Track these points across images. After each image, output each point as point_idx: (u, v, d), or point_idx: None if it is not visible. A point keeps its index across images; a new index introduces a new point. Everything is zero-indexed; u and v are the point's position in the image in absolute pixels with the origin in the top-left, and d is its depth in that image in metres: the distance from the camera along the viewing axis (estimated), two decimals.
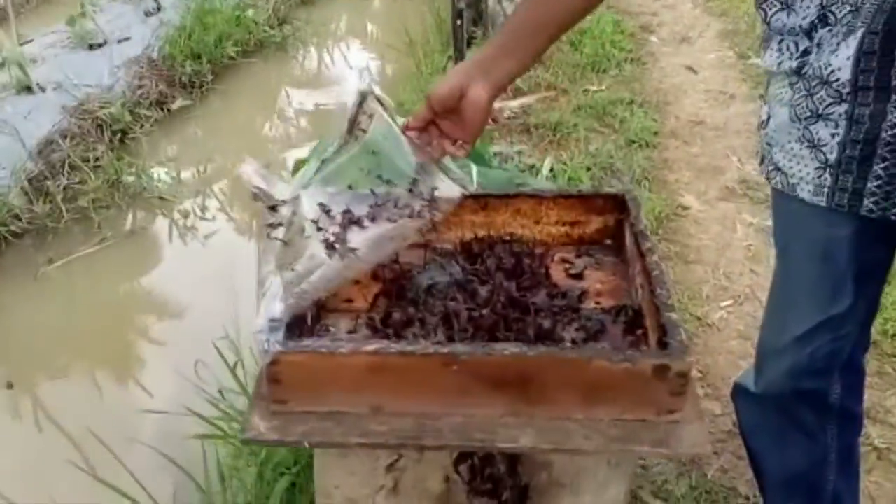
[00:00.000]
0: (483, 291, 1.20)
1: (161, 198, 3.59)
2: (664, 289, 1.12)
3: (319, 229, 1.12)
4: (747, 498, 1.95)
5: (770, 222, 1.49)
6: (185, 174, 3.80)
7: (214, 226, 3.45)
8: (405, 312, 1.19)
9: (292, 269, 1.08)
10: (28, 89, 3.85)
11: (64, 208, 3.36)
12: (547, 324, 1.18)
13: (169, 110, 4.26)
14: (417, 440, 1.04)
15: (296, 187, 1.18)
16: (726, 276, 2.70)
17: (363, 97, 1.15)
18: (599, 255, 1.39)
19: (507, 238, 1.39)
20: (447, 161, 1.22)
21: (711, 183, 3.23)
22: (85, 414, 2.37)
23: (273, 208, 1.10)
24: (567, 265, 1.36)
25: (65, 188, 3.44)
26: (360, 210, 1.18)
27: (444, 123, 1.17)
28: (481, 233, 1.39)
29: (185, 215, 3.51)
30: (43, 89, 3.87)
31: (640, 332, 1.19)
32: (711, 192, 3.17)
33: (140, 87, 4.10)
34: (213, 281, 2.91)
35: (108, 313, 2.98)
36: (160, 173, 3.73)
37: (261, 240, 1.08)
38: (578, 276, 1.33)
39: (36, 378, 2.67)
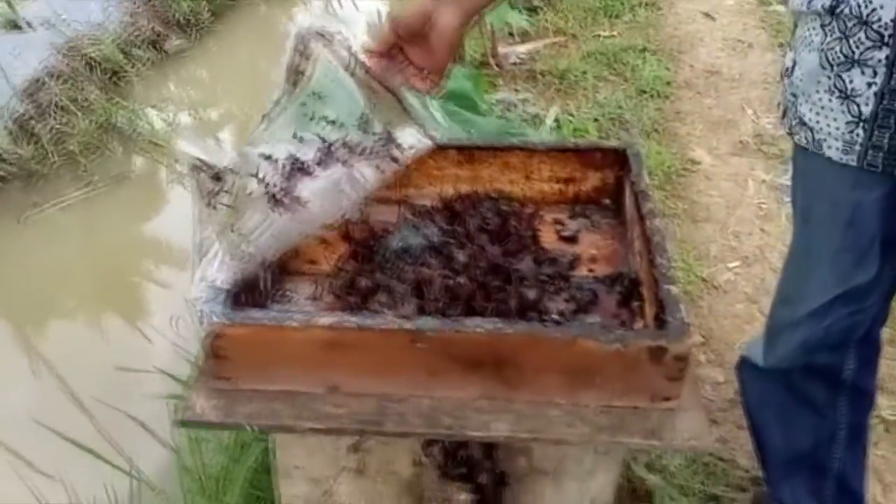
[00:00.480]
0: (461, 256, 1.06)
1: (153, 143, 3.43)
2: (664, 258, 0.97)
3: (263, 183, 0.97)
4: (746, 471, 1.82)
5: (785, 181, 1.33)
6: (180, 119, 3.64)
7: None
8: (372, 279, 1.05)
9: (234, 231, 0.94)
10: (16, 26, 3.66)
11: (51, 151, 3.21)
12: (532, 294, 1.04)
13: (164, 51, 4.07)
14: (378, 425, 0.91)
15: (240, 150, 1.02)
16: (735, 236, 2.54)
17: (302, 41, 0.99)
18: (596, 217, 1.23)
19: (494, 195, 1.24)
20: (411, 104, 1.06)
21: (724, 137, 3.04)
22: (62, 364, 2.27)
23: (217, 177, 0.95)
24: (559, 227, 1.20)
25: (53, 130, 3.28)
26: (307, 156, 1.02)
27: (410, 51, 1.01)
28: (465, 188, 1.24)
29: (177, 161, 3.35)
30: (31, 26, 3.68)
31: (636, 304, 1.05)
32: (724, 147, 2.98)
33: (133, 25, 3.90)
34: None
35: (95, 261, 2.85)
36: (153, 117, 3.56)
37: (197, 207, 0.93)
38: (571, 240, 1.18)
39: (14, 324, 2.56)
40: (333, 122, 1.03)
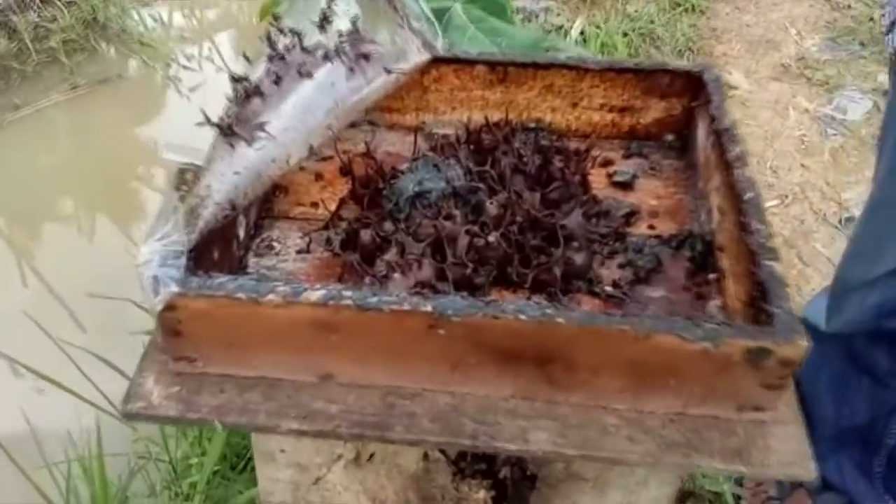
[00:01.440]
0: (493, 206, 0.81)
1: (142, 42, 3.10)
2: (761, 222, 0.73)
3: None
4: None
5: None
6: (172, 17, 3.30)
7: (200, 77, 2.99)
8: (379, 231, 0.81)
9: (198, 185, 0.70)
10: None
11: (32, 48, 2.91)
12: (580, 259, 0.80)
13: None
14: (382, 429, 0.68)
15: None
16: (773, 171, 2.28)
17: None
18: (655, 157, 0.98)
19: (532, 126, 0.99)
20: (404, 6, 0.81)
21: (764, 59, 2.73)
22: (47, 271, 2.07)
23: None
24: (611, 169, 0.96)
25: (33, 25, 2.96)
26: (257, 73, 0.78)
27: None
28: (496, 116, 0.98)
29: (169, 64, 3.04)
30: None
31: (711, 275, 0.82)
32: (763, 71, 2.68)
33: None
34: (197, 138, 2.51)
35: (77, 167, 2.60)
36: (143, 14, 3.23)
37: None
38: (626, 186, 0.94)
39: None
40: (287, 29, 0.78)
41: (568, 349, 0.66)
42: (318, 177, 0.95)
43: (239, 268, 0.82)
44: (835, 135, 2.44)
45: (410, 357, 0.68)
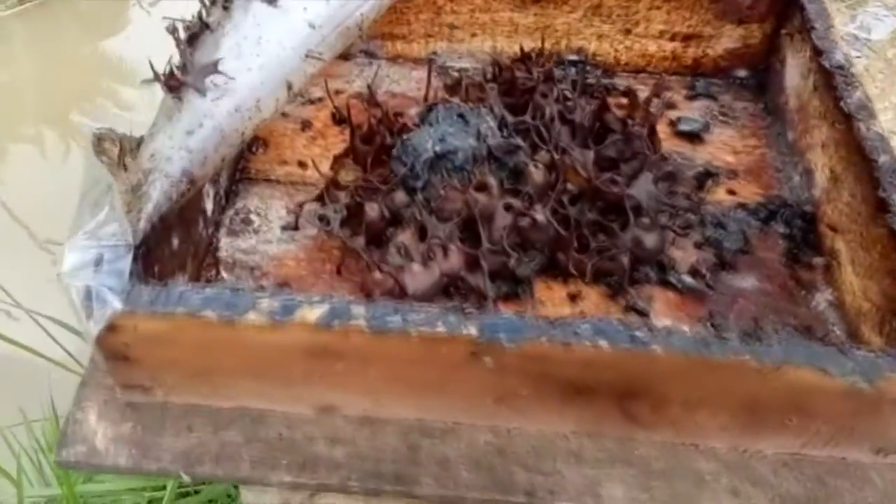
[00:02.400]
0: (538, 171, 0.62)
1: None
2: None
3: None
4: None
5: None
6: None
7: None
8: (389, 205, 0.62)
9: (140, 155, 0.50)
10: None
11: None
12: (651, 239, 0.61)
13: None
14: (404, 483, 0.51)
15: None
16: None
17: None
18: (727, 98, 0.79)
19: (574, 58, 0.78)
20: None
21: None
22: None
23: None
24: (674, 115, 0.76)
25: None
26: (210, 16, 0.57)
27: None
28: (528, 45, 0.77)
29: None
30: None
31: (818, 259, 0.64)
32: None
33: None
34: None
35: (32, 83, 2.34)
36: None
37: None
38: (695, 138, 0.74)
39: None
40: None
41: (661, 383, 0.48)
42: (306, 126, 0.74)
43: (208, 252, 0.63)
44: (858, 56, 2.23)
45: (442, 389, 0.50)
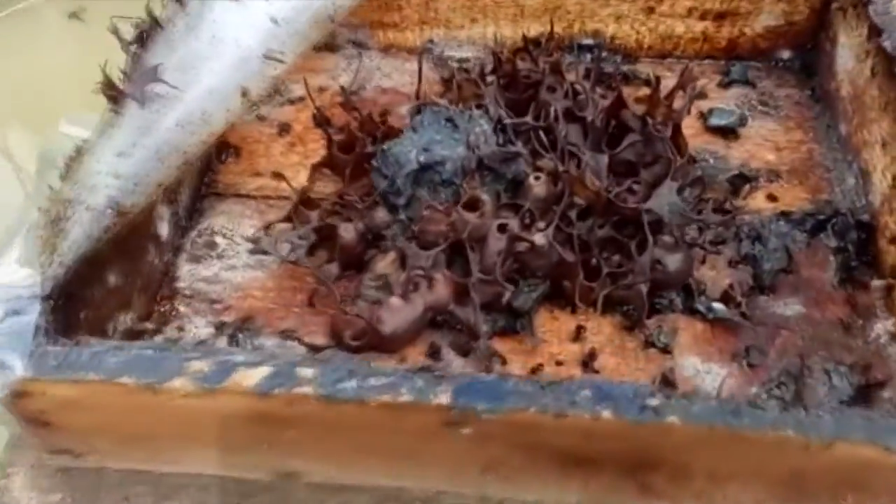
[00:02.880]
0: (539, 184, 0.52)
1: None
2: None
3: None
4: None
5: None
6: None
7: None
8: (369, 224, 0.53)
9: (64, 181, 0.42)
10: None
11: None
12: (675, 261, 0.51)
13: None
14: None
15: None
16: None
17: None
18: (767, 85, 0.68)
19: (589, 43, 0.68)
20: None
21: None
22: None
23: None
24: (704, 105, 0.65)
25: None
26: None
27: None
28: (534, 31, 0.67)
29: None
30: None
31: (877, 282, 0.53)
32: None
33: None
34: None
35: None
36: None
37: None
38: (729, 133, 0.64)
39: None
40: None
41: (681, 454, 0.39)
42: (284, 130, 0.66)
43: (163, 284, 0.55)
44: None
45: (417, 458, 0.42)
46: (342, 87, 0.60)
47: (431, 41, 0.71)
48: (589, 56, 0.69)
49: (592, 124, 0.57)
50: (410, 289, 0.49)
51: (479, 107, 0.56)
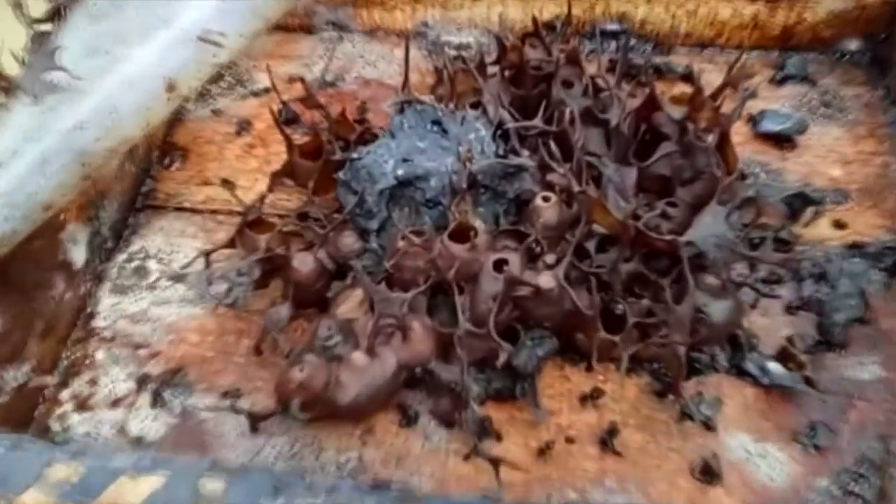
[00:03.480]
0: (549, 207, 0.41)
1: None
2: None
3: None
4: None
5: None
6: None
7: None
8: (332, 252, 0.42)
9: None
10: None
11: None
12: (721, 311, 0.40)
13: None
14: None
15: None
16: None
17: None
18: (830, 82, 0.55)
19: (615, 28, 0.56)
20: None
21: None
22: None
23: None
24: (754, 107, 0.53)
25: None
26: None
27: None
28: (549, 12, 0.56)
29: None
30: None
31: None
32: None
33: None
34: None
35: None
36: None
37: None
38: (784, 141, 0.52)
39: None
40: None
41: None
42: (243, 127, 0.54)
43: (76, 323, 0.44)
44: None
45: None
46: (302, 80, 0.48)
47: (425, 23, 0.59)
48: (613, 44, 0.57)
49: (618, 129, 0.45)
50: (380, 341, 0.38)
51: (474, 106, 0.44)
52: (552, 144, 0.43)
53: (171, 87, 0.39)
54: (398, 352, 0.38)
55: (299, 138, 0.49)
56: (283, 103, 0.53)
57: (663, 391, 0.40)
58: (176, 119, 0.54)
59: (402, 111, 0.44)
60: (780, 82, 0.55)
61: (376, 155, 0.42)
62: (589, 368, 0.41)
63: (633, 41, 0.57)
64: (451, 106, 0.44)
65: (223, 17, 0.41)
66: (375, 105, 0.55)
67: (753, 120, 0.52)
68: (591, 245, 0.42)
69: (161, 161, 0.52)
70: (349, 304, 0.41)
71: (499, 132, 0.43)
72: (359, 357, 0.38)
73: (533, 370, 0.39)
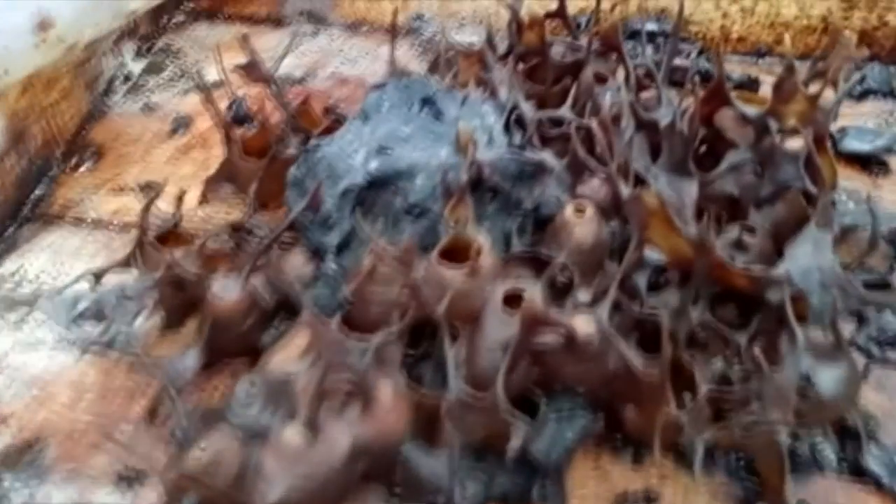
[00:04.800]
0: (583, 223, 0.28)
1: None
2: None
3: None
4: None
5: None
6: None
7: None
8: (272, 279, 0.29)
9: None
10: None
11: None
12: (831, 378, 0.26)
13: None
14: None
15: None
16: None
17: None
18: None
19: (653, 29, 0.44)
20: None
21: None
22: None
23: None
24: (834, 125, 0.41)
25: None
26: None
27: None
28: (574, 6, 0.44)
29: None
30: None
31: None
32: None
33: None
34: None
35: None
36: None
37: None
38: (870, 164, 0.39)
39: None
40: None
41: None
42: (181, 125, 0.42)
43: None
44: None
45: None
46: (244, 37, 0.35)
47: (420, 17, 0.47)
48: (650, 50, 0.46)
49: (672, 130, 0.33)
50: (327, 409, 0.25)
51: (480, 83, 0.32)
52: (594, 138, 0.30)
53: (44, 26, 0.26)
54: (355, 427, 0.25)
55: (246, 130, 0.36)
56: (235, 97, 0.41)
57: (749, 499, 0.27)
58: (96, 112, 0.42)
59: (377, 88, 0.31)
60: (860, 97, 0.44)
61: (342, 142, 0.29)
62: (636, 457, 0.28)
63: (677, 44, 0.45)
64: (449, 82, 0.31)
65: None
66: (352, 107, 0.43)
67: (832, 137, 0.40)
68: (640, 278, 0.29)
69: (65, 161, 0.39)
70: (287, 353, 0.27)
71: (512, 119, 0.31)
72: (293, 435, 0.24)
73: (559, 461, 0.25)
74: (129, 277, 0.31)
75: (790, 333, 0.26)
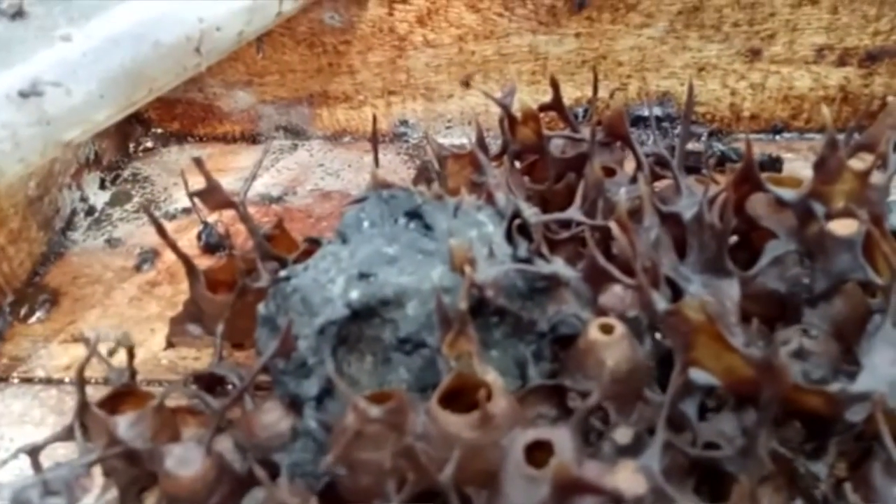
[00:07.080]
0: (614, 346, 0.23)
1: None
2: None
3: None
4: None
5: None
6: None
7: None
8: (240, 446, 0.24)
9: None
10: None
11: None
12: None
13: None
14: None
15: None
16: None
17: None
18: None
19: (657, 114, 0.41)
20: None
21: None
22: None
23: None
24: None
25: None
26: None
27: None
28: (569, 95, 0.41)
29: None
30: None
31: None
32: None
33: None
34: None
35: None
36: None
37: None
38: None
39: None
40: None
41: None
42: (147, 259, 0.38)
43: None
44: None
45: None
46: (198, 165, 0.31)
47: (404, 122, 0.44)
48: (652, 139, 0.42)
49: (700, 222, 0.28)
50: None
51: (473, 188, 0.28)
52: (595, 243, 0.26)
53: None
54: None
55: (217, 261, 0.32)
56: (205, 223, 0.37)
57: None
58: (52, 253, 0.38)
59: (359, 202, 0.27)
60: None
61: (317, 271, 0.25)
62: None
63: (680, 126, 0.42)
64: (438, 190, 0.27)
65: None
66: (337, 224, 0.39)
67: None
68: (689, 406, 0.24)
69: (14, 312, 0.35)
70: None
71: (514, 226, 0.26)
72: None
73: None
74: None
75: (887, 462, 0.21)
